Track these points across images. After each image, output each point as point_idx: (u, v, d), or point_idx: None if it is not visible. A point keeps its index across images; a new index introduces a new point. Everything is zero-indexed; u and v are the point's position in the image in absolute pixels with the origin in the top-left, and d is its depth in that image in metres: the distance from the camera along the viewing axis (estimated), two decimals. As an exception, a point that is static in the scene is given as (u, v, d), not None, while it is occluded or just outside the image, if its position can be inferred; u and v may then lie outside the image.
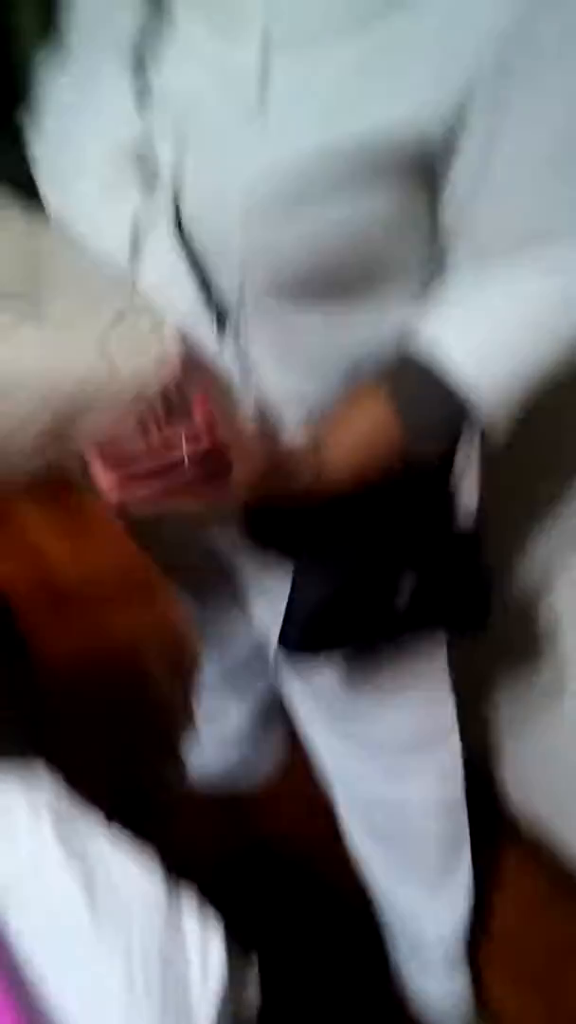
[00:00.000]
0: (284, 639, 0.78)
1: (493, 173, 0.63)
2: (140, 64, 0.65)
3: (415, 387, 0.69)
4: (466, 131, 0.61)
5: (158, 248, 0.66)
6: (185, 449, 0.62)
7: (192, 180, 0.63)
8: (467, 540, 0.82)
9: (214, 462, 0.64)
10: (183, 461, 0.62)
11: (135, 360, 0.62)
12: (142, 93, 0.65)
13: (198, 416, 0.61)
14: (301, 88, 0.61)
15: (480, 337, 0.68)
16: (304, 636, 0.79)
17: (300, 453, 0.71)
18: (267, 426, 0.73)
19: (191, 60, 0.64)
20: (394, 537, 0.78)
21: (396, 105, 0.60)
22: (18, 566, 1.92)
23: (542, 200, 0.64)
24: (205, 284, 0.66)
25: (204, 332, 0.68)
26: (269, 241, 0.63)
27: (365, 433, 0.70)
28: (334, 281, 0.68)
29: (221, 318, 0.67)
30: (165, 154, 0.64)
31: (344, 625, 0.79)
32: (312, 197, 0.61)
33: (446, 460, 0.79)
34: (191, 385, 0.64)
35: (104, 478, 0.63)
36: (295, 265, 0.65)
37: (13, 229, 0.70)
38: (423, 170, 0.63)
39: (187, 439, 0.62)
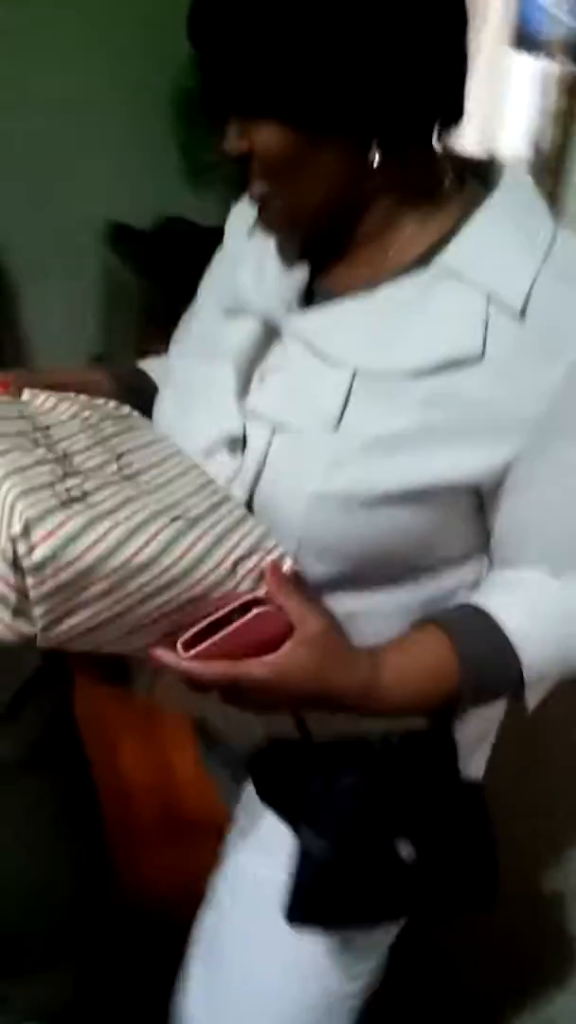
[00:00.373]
0: (288, 910, 0.78)
1: (529, 507, 0.74)
2: (247, 369, 0.78)
3: (473, 632, 0.74)
4: (510, 477, 0.72)
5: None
6: (245, 598, 0.68)
7: (274, 466, 0.75)
8: (471, 804, 0.81)
9: (273, 622, 0.68)
10: (241, 610, 0.67)
11: (254, 578, 0.71)
12: (244, 393, 0.78)
13: (268, 575, 0.69)
14: (372, 419, 0.71)
15: (530, 607, 0.76)
16: (307, 905, 0.77)
17: (358, 654, 0.73)
18: (334, 621, 0.76)
19: (290, 372, 0.76)
20: (395, 794, 0.77)
21: (452, 462, 0.71)
22: (147, 780, 1.89)
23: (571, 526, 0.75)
24: None
25: None
26: (327, 533, 0.73)
27: (425, 663, 0.74)
28: (383, 565, 0.76)
29: None
30: (257, 440, 0.75)
31: (348, 895, 0.77)
32: (367, 507, 0.72)
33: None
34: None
35: (159, 652, 0.68)
36: (351, 553, 0.74)
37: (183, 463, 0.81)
38: (474, 494, 0.75)
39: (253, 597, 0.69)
